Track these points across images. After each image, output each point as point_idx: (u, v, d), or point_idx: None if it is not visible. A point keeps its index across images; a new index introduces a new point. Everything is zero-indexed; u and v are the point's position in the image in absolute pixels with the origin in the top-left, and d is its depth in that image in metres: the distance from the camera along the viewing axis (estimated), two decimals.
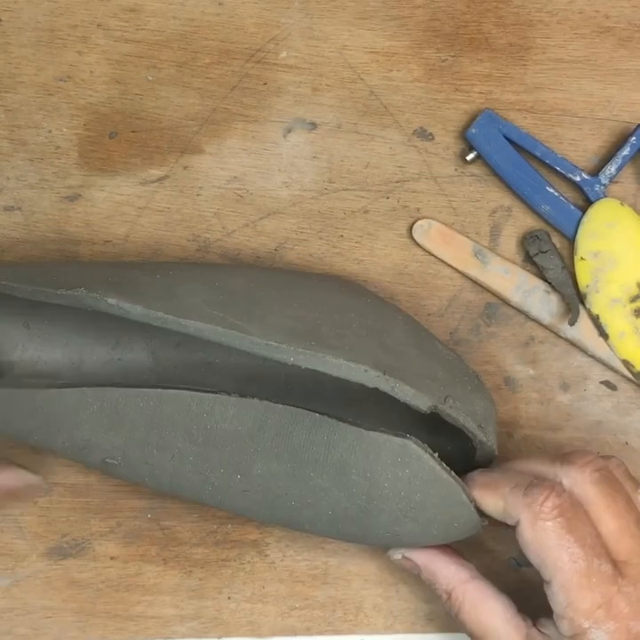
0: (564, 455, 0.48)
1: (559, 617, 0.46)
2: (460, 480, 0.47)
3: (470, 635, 0.49)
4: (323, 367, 0.46)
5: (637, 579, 0.45)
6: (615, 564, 0.45)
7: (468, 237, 0.55)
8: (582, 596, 0.45)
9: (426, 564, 0.50)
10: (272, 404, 0.47)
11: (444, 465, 0.47)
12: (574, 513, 0.45)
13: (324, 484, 0.47)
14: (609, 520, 0.46)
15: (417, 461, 0.46)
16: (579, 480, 0.46)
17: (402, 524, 0.47)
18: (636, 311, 0.54)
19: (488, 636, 0.48)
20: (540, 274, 0.55)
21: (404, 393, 0.46)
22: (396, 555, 0.51)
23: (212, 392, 0.47)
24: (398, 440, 0.46)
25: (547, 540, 0.45)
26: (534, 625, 0.48)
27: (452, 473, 0.47)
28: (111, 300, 0.46)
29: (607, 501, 0.46)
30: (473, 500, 0.48)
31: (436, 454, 0.47)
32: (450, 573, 0.49)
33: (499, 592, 0.49)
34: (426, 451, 0.46)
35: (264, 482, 0.47)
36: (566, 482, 0.46)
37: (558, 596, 0.45)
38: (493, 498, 0.47)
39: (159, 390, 0.47)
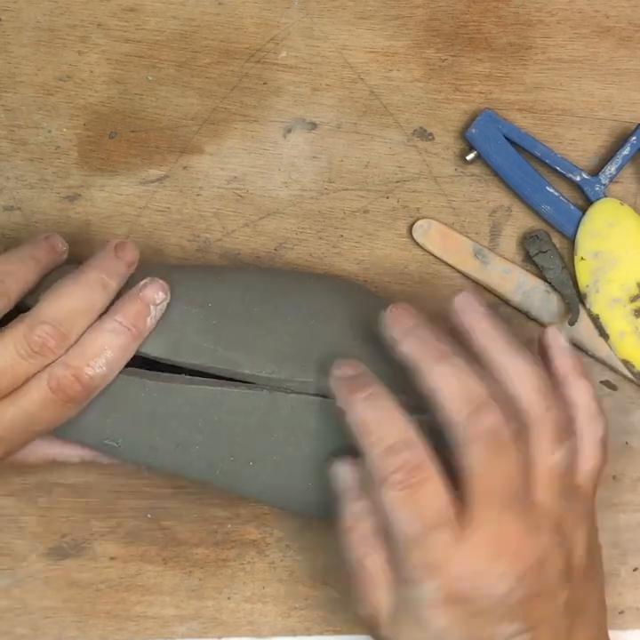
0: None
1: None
2: None
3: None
4: (308, 392, 0.48)
5: None
6: None
7: (468, 237, 0.55)
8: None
9: None
10: (280, 393, 0.47)
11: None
12: None
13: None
14: None
15: None
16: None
17: None
18: (636, 311, 0.54)
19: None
20: (540, 274, 0.55)
21: None
22: None
23: (218, 385, 0.47)
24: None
25: None
26: None
27: None
28: None
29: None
30: None
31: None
32: None
33: None
34: None
35: (279, 467, 0.48)
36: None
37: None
38: None
39: (161, 383, 0.47)
